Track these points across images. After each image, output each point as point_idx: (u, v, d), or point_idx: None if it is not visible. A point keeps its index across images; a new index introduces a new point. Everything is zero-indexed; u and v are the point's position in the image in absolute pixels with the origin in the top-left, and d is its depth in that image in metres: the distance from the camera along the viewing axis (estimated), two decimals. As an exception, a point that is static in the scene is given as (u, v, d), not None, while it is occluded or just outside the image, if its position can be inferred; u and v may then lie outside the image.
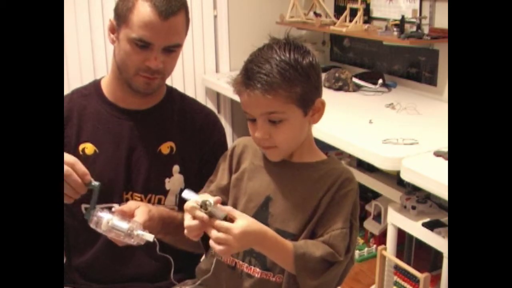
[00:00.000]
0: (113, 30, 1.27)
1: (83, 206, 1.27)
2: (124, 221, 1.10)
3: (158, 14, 1.19)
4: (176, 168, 1.31)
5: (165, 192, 1.30)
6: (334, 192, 1.06)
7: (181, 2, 1.24)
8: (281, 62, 1.03)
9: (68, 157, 1.12)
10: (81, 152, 1.28)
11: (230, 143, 3.49)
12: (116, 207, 1.15)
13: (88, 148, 1.29)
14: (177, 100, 1.38)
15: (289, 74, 1.02)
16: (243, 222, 0.96)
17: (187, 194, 0.99)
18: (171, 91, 1.39)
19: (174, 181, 1.31)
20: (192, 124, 1.36)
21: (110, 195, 1.26)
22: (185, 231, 0.99)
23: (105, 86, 1.35)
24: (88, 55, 2.94)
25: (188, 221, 0.98)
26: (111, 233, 1.09)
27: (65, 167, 1.10)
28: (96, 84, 1.36)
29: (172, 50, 1.25)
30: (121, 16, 1.23)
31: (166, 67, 1.27)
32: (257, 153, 1.16)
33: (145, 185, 1.29)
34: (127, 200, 1.28)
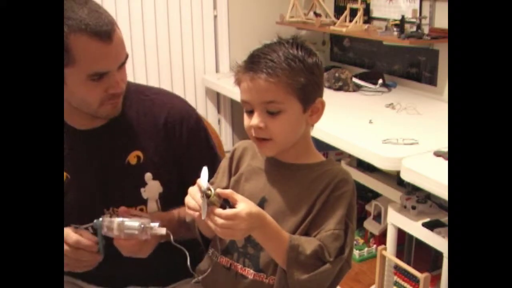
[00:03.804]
0: None
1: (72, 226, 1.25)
2: (134, 219, 1.10)
3: (101, 40, 1.09)
4: (148, 175, 1.26)
5: (144, 202, 1.27)
6: (329, 193, 1.06)
7: (108, 15, 1.14)
8: (289, 54, 1.04)
9: (69, 239, 1.12)
10: None
11: (230, 143, 3.48)
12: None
13: None
14: (134, 103, 1.29)
15: (295, 64, 1.03)
16: (246, 205, 0.96)
17: (203, 172, 0.99)
18: (125, 93, 1.26)
19: (150, 188, 1.27)
20: (156, 125, 1.28)
21: (92, 214, 1.20)
22: (187, 209, 1.01)
23: None
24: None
25: (192, 201, 1.00)
26: (124, 235, 1.09)
27: (74, 252, 1.12)
28: None
29: (124, 62, 1.19)
30: None
31: (125, 82, 1.21)
32: (255, 155, 1.16)
33: (123, 199, 1.25)
34: (110, 216, 1.24)
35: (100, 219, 1.12)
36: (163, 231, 1.09)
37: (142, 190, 1.26)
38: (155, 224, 1.10)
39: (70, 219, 1.16)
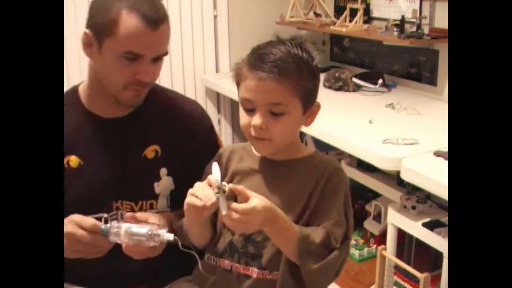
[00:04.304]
0: (90, 43, 1.20)
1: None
2: (142, 226, 1.09)
3: (148, 24, 1.15)
4: (163, 171, 1.28)
5: (155, 196, 1.28)
6: (324, 184, 1.07)
7: (164, 9, 1.20)
8: (295, 55, 1.04)
9: (86, 223, 1.11)
10: (66, 165, 1.25)
11: (230, 143, 3.49)
12: (105, 216, 1.13)
13: (73, 160, 1.26)
14: (158, 100, 1.33)
15: (302, 67, 1.04)
16: (259, 199, 0.96)
17: (215, 168, 0.99)
18: (151, 89, 1.32)
19: (163, 184, 1.29)
20: (175, 123, 1.32)
21: (99, 205, 1.22)
22: (190, 199, 0.99)
23: (83, 96, 1.30)
24: (88, 55, 2.94)
25: (201, 192, 0.98)
26: (132, 241, 1.08)
27: (91, 236, 1.10)
28: (73, 93, 1.31)
29: (160, 58, 1.22)
30: (103, 28, 1.16)
31: (155, 76, 1.24)
32: (243, 157, 1.16)
33: (134, 192, 1.27)
34: (117, 208, 1.26)
35: (108, 224, 1.11)
36: (170, 237, 1.07)
37: (155, 184, 1.28)
38: (162, 231, 1.08)
39: (78, 207, 1.17)
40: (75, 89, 1.33)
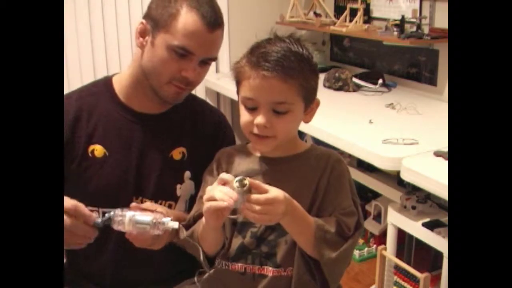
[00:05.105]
0: (144, 34, 1.23)
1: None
2: (146, 214, 1.07)
3: (205, 25, 1.18)
4: (187, 174, 1.29)
5: (175, 199, 1.28)
6: (329, 176, 1.08)
7: (222, 15, 1.24)
8: (296, 53, 1.04)
9: (66, 204, 1.05)
10: (90, 154, 1.25)
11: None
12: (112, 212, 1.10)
13: (98, 150, 1.25)
14: (188, 103, 1.35)
15: (304, 65, 1.04)
16: (278, 190, 0.96)
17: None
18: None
19: (185, 187, 1.29)
20: (203, 128, 1.33)
21: (119, 199, 1.21)
22: (210, 203, 0.96)
23: (118, 87, 1.30)
24: (88, 55, 2.94)
25: (220, 192, 0.95)
26: (135, 230, 1.06)
27: (69, 220, 1.04)
28: (107, 83, 1.31)
29: (208, 62, 1.24)
30: (160, 21, 1.19)
31: (200, 78, 1.26)
32: (242, 159, 1.15)
33: (156, 191, 1.26)
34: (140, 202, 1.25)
35: (112, 212, 1.07)
36: (175, 225, 1.06)
37: (178, 186, 1.28)
38: (167, 219, 1.06)
39: (98, 197, 1.17)
40: (108, 79, 1.33)
